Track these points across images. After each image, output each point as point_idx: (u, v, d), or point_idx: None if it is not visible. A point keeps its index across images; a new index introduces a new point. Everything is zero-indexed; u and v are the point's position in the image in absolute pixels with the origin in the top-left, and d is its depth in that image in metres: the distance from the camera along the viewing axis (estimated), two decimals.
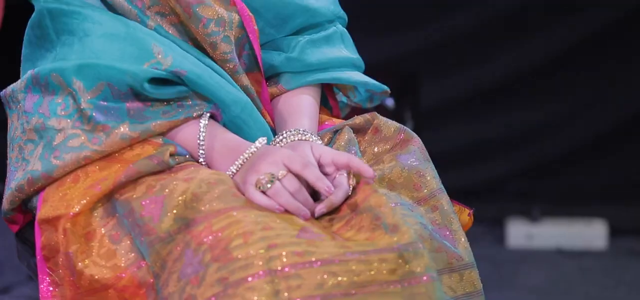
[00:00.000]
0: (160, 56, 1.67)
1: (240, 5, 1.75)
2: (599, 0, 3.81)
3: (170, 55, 1.67)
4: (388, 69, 3.62)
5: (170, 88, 1.67)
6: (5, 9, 2.96)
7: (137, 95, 1.65)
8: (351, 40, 1.91)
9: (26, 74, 1.71)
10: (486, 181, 3.93)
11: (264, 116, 1.77)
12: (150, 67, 1.65)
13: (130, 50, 1.66)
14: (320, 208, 1.58)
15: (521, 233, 3.84)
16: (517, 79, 3.89)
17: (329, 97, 1.92)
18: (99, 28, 1.68)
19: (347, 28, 1.93)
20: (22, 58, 1.77)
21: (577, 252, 3.79)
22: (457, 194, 1.87)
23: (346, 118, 1.88)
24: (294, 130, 1.70)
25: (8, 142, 1.75)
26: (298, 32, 1.85)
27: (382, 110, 1.97)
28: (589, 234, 3.83)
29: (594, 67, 3.86)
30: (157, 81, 1.66)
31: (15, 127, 1.73)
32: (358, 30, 1.99)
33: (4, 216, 1.75)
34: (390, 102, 3.03)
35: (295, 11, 1.82)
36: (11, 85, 1.75)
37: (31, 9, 1.75)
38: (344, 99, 1.96)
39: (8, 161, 1.75)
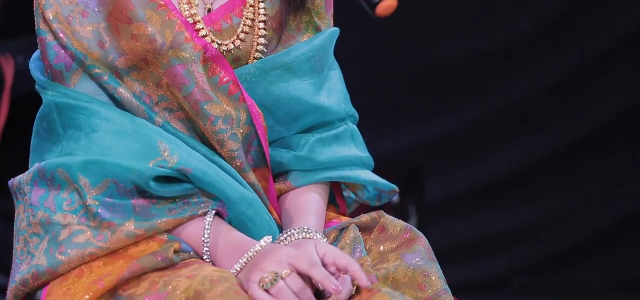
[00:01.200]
0: (166, 153, 1.67)
1: (250, 101, 1.74)
2: (601, 97, 3.84)
3: (176, 152, 1.67)
4: (392, 162, 3.61)
5: (176, 185, 1.67)
6: (14, 102, 2.98)
7: (143, 192, 1.65)
8: (361, 139, 1.89)
9: (33, 167, 1.72)
10: (490, 276, 3.93)
11: (270, 213, 1.76)
12: (156, 165, 1.66)
13: (136, 147, 1.67)
14: None
15: None
16: (521, 174, 3.90)
17: (336, 194, 1.90)
18: (106, 124, 1.68)
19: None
20: (30, 148, 1.78)
21: None
22: (460, 288, 1.87)
23: (353, 214, 1.88)
24: (299, 228, 1.70)
25: (14, 233, 1.75)
26: (308, 130, 1.83)
27: (386, 204, 1.97)
28: None
29: (596, 163, 3.88)
30: (163, 179, 1.66)
31: (21, 219, 1.73)
32: (362, 124, 1.99)
33: None
34: (394, 197, 3.03)
35: (306, 109, 1.81)
36: (18, 176, 1.75)
37: (41, 99, 1.76)
38: (353, 195, 1.95)
39: (13, 252, 1.75)
